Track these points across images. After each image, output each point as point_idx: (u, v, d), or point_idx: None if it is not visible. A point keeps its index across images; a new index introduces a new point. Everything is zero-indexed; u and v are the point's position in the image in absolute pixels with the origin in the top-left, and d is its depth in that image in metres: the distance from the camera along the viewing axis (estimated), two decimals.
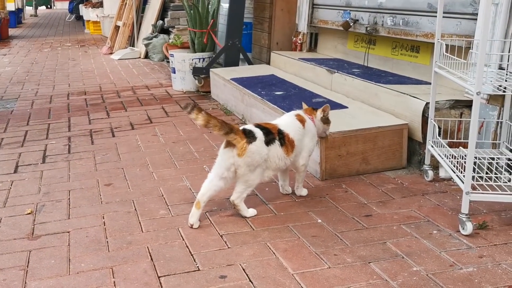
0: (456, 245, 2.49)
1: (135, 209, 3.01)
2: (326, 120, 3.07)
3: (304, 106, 3.13)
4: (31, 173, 3.70)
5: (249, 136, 2.73)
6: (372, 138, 3.40)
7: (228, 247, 2.53)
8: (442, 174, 3.30)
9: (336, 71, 4.49)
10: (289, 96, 4.35)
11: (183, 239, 2.63)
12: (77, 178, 3.57)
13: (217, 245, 2.55)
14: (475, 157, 2.92)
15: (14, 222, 2.92)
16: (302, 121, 3.01)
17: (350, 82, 4.24)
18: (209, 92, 5.93)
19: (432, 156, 3.24)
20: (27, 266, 2.43)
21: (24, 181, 3.56)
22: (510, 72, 3.01)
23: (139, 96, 6.04)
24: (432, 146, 3.23)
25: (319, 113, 3.05)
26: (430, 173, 3.29)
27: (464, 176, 2.56)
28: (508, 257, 2.38)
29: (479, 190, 2.68)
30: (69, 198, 3.22)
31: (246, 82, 4.96)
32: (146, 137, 4.44)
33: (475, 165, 2.77)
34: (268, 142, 2.80)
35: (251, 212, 2.87)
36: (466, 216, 2.57)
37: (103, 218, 2.91)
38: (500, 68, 3.18)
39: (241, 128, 2.81)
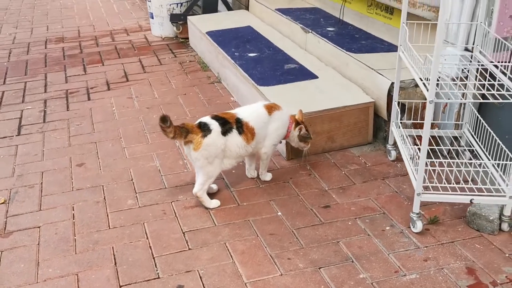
0: (405, 245, 2.62)
1: (104, 198, 3.12)
2: (301, 138, 3.14)
3: (296, 115, 3.18)
4: (6, 149, 3.77)
5: (204, 130, 2.82)
6: (338, 118, 3.44)
7: (189, 249, 2.65)
8: (406, 151, 3.36)
9: (310, 30, 4.44)
10: (262, 59, 4.32)
11: (147, 237, 2.75)
12: (50, 155, 3.65)
13: (178, 245, 2.68)
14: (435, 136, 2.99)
15: None
16: (270, 108, 3.06)
17: (323, 46, 4.20)
18: (188, 38, 5.85)
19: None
20: None
21: (0, 158, 3.64)
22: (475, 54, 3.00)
23: (117, 44, 5.96)
24: (396, 128, 3.28)
25: (295, 131, 3.13)
26: (393, 153, 3.36)
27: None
28: (451, 259, 2.51)
29: (431, 183, 2.75)
30: (41, 183, 3.31)
31: (221, 38, 4.90)
32: (121, 101, 4.46)
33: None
34: (225, 132, 2.87)
35: (214, 203, 2.98)
36: (417, 215, 2.68)
37: (73, 210, 3.02)
38: (466, 49, 3.16)
39: (197, 122, 2.88)
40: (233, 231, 2.77)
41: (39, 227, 2.89)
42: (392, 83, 3.31)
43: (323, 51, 4.22)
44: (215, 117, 2.92)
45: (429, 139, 3.15)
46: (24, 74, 5.21)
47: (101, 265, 2.57)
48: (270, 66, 4.15)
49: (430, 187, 2.68)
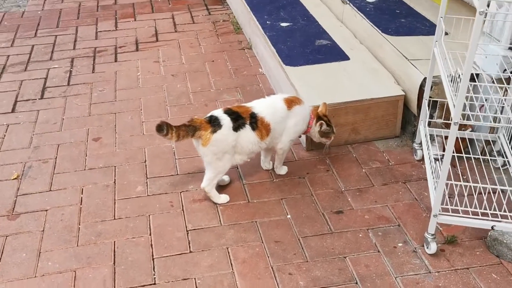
0: (416, 267, 2.47)
1: (114, 182, 3.06)
2: (322, 134, 2.98)
3: (319, 108, 3.01)
4: (28, 114, 3.75)
5: (214, 124, 2.69)
6: (364, 110, 3.23)
7: (190, 251, 2.58)
8: (433, 152, 3.15)
9: (348, 1, 4.13)
10: (294, 31, 4.08)
11: (150, 233, 2.70)
12: (69, 125, 3.60)
13: (180, 246, 2.61)
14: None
15: (0, 189, 3.03)
16: (289, 103, 2.88)
17: (359, 21, 3.92)
18: None
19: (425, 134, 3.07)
20: (0, 260, 2.57)
21: (19, 126, 3.62)
22: None
23: None
24: (424, 126, 3.06)
25: (316, 126, 2.97)
26: (419, 152, 3.16)
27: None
28: None
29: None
30: (56, 158, 3.28)
31: (255, 1, 4.64)
32: (148, 65, 4.35)
33: None
34: (237, 128, 2.73)
35: (223, 198, 2.88)
36: (432, 236, 2.51)
37: (82, 193, 2.98)
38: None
39: (208, 114, 2.74)
40: (238, 233, 2.68)
41: (46, 210, 2.88)
42: (425, 78, 3.05)
43: (359, 27, 3.94)
44: (228, 111, 2.76)
45: (459, 141, 2.95)
46: (56, 26, 5.13)
47: (100, 262, 2.54)
48: (301, 40, 3.91)
49: (450, 209, 2.48)
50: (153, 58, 4.46)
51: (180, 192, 2.97)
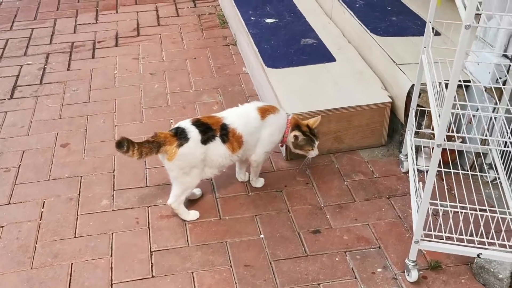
0: None
1: (79, 195, 2.87)
2: (296, 146, 2.75)
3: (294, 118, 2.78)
4: None
5: (181, 138, 2.48)
6: (347, 118, 3.01)
7: (152, 276, 2.39)
8: (420, 163, 2.95)
9: None
10: (279, 28, 3.85)
11: (112, 255, 2.50)
12: (37, 129, 3.41)
13: (141, 270, 2.42)
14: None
15: None
16: (264, 112, 2.67)
17: (348, 19, 3.69)
18: None
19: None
20: None
21: None
22: None
23: None
24: (411, 137, 2.84)
25: (290, 137, 2.73)
26: (406, 164, 2.95)
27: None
28: None
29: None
30: (19, 166, 3.09)
31: None
32: (126, 62, 4.13)
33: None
34: (206, 141, 2.52)
35: (192, 215, 2.69)
36: (413, 263, 2.31)
37: (43, 207, 2.79)
38: (505, 56, 2.64)
39: (175, 126, 2.54)
40: (205, 256, 2.48)
41: (2, 227, 2.69)
42: (413, 85, 2.83)
43: (347, 24, 3.71)
44: (196, 122, 2.55)
45: (447, 152, 2.74)
46: (34, 18, 4.90)
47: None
48: (286, 39, 3.68)
49: (433, 235, 2.28)
50: (133, 55, 4.24)
51: (148, 207, 2.77)
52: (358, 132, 3.06)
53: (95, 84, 3.87)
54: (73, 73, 4.02)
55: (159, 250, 2.52)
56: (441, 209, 2.36)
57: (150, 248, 2.53)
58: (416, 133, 2.86)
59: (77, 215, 2.74)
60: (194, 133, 2.50)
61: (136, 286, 2.35)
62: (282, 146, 2.90)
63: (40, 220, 2.71)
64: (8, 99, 3.73)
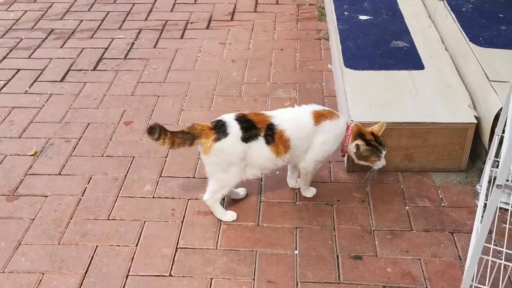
0: None
1: (125, 176, 2.80)
2: (360, 157, 2.49)
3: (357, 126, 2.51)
4: (74, 85, 3.61)
5: (219, 131, 2.30)
6: (421, 134, 2.67)
7: (170, 275, 2.25)
8: (500, 199, 2.53)
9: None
10: (371, 26, 3.53)
11: (137, 244, 2.40)
12: (108, 103, 3.41)
13: (160, 267, 2.29)
14: None
15: (12, 165, 2.90)
16: (318, 117, 2.42)
17: (449, 24, 3.28)
18: None
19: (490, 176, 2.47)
20: None
21: (61, 97, 3.48)
22: None
23: None
24: (490, 167, 2.45)
25: (352, 146, 2.46)
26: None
27: None
28: None
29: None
30: (80, 138, 3.09)
31: None
32: (212, 46, 4.03)
33: None
34: (247, 139, 2.32)
35: (229, 216, 2.51)
36: None
37: (88, 183, 2.75)
38: None
39: (217, 119, 2.36)
40: (230, 263, 2.30)
41: (46, 196, 2.68)
42: (501, 108, 2.43)
43: (447, 29, 3.31)
44: (240, 118, 2.36)
45: None
46: None
47: (71, 269, 2.29)
48: (375, 39, 3.36)
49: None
50: (220, 39, 4.13)
51: (188, 200, 2.64)
52: (433, 152, 2.70)
53: (176, 65, 3.80)
54: (158, 51, 3.98)
55: (185, 247, 2.38)
56: (501, 261, 1.97)
57: (177, 244, 2.40)
58: (497, 164, 2.45)
59: (117, 196, 2.67)
60: (234, 129, 2.31)
61: (150, 283, 2.22)
62: (343, 156, 2.63)
63: (82, 196, 2.67)
64: (91, 70, 3.77)
